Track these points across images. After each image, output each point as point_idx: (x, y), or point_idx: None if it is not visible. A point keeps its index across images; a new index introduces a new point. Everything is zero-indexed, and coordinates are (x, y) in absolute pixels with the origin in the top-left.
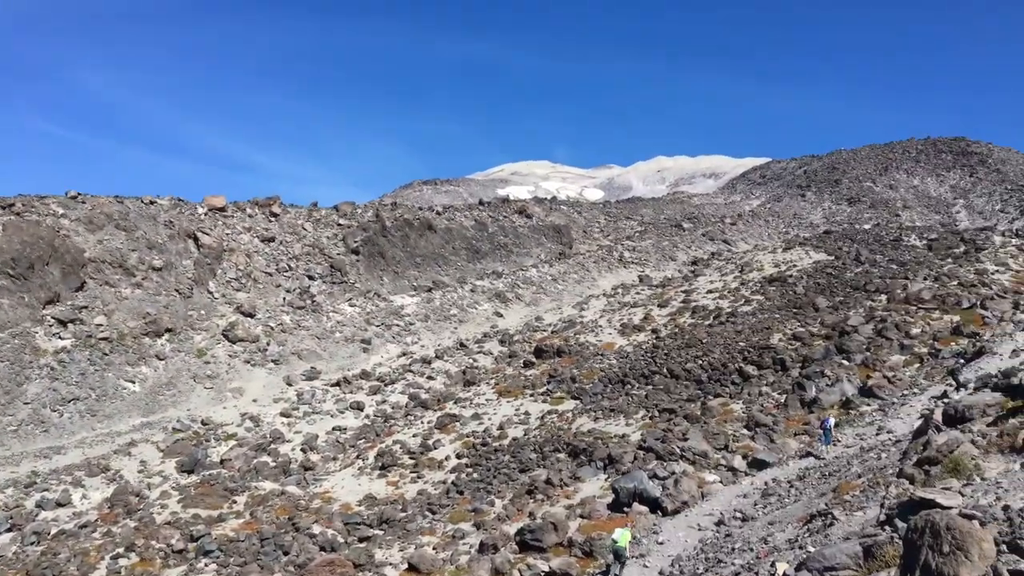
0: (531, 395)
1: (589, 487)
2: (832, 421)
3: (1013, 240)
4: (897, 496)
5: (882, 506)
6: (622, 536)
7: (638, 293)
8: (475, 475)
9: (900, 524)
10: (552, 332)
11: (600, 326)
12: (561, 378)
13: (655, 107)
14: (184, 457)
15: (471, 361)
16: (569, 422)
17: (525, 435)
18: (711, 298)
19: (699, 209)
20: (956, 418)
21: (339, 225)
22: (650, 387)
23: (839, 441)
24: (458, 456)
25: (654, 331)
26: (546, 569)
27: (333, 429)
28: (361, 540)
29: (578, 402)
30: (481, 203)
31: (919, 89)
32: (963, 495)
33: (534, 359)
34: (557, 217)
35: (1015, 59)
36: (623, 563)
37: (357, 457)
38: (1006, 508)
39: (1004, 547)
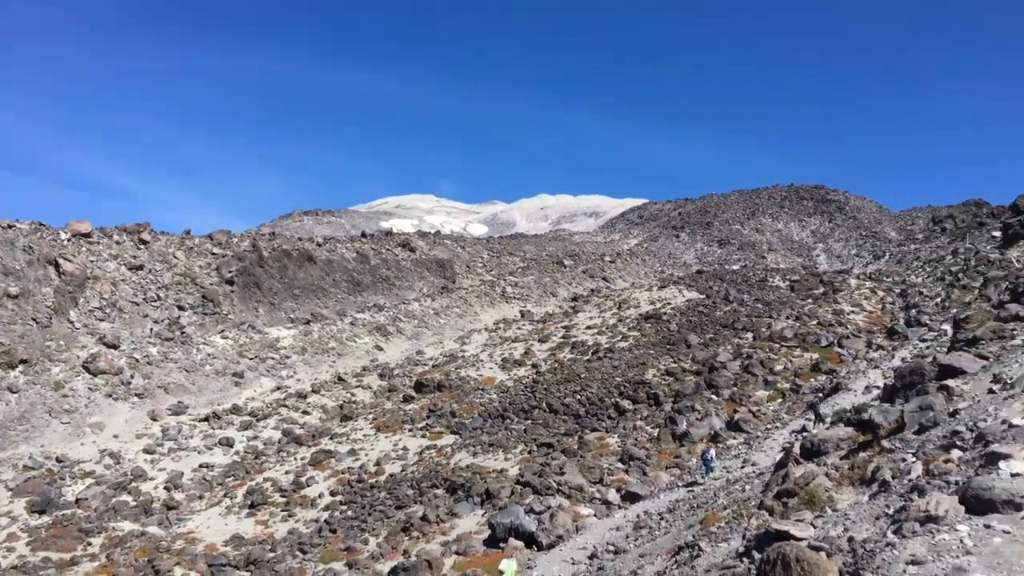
0: (410, 430)
1: (466, 523)
2: (712, 453)
3: (867, 283)
4: (757, 528)
5: (744, 537)
6: (508, 567)
7: (519, 328)
8: (349, 513)
9: (757, 555)
10: (433, 366)
11: (481, 360)
12: (441, 413)
13: (539, 146)
14: (35, 496)
15: (349, 395)
16: (448, 457)
17: (403, 471)
18: (590, 334)
19: (580, 247)
20: (813, 451)
21: (213, 254)
22: (529, 421)
23: (713, 471)
24: (332, 493)
25: (534, 366)
26: None
27: (200, 466)
28: None
29: (457, 437)
30: (364, 235)
31: (783, 137)
32: (815, 527)
33: (414, 393)
34: (440, 251)
35: (869, 114)
36: None
37: (225, 495)
38: (851, 539)
39: None
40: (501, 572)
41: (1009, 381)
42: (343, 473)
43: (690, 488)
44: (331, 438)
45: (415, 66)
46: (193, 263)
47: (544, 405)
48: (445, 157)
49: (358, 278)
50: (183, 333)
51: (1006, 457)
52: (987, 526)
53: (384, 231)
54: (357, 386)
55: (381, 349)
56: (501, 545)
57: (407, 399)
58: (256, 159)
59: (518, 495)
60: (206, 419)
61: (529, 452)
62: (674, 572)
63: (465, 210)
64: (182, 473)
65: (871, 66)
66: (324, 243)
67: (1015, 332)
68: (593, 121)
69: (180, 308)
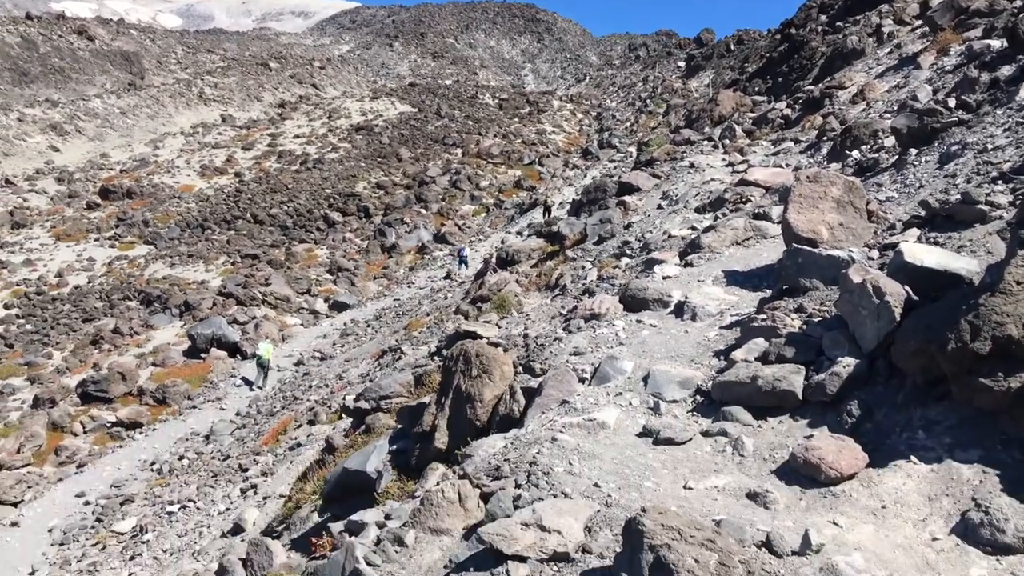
0: (96, 239)
1: (163, 335)
2: (468, 250)
3: (568, 105)
4: (454, 330)
5: (440, 340)
6: (266, 349)
7: (220, 134)
8: (28, 327)
9: (446, 353)
10: (121, 171)
11: (177, 167)
12: (132, 221)
13: None
14: None
15: (20, 200)
16: (141, 268)
17: (89, 283)
18: (298, 143)
19: (287, 49)
20: (508, 261)
21: None
22: (232, 232)
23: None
24: (6, 307)
25: (237, 174)
26: (112, 419)
27: None
28: None
29: (152, 247)
30: (29, 17)
31: None
32: (499, 327)
33: (99, 200)
34: (125, 42)
35: None
36: (266, 373)
37: None
38: (525, 336)
39: (520, 368)
40: (257, 354)
41: (674, 198)
42: (18, 285)
43: (456, 279)
44: (1, 247)
45: None
46: None
47: (248, 216)
48: None
49: (24, 67)
50: None
51: (660, 263)
52: (639, 321)
53: (55, 14)
54: (30, 191)
55: (57, 150)
56: (202, 356)
57: (91, 206)
58: None
59: (220, 306)
60: None
61: (232, 263)
62: (377, 374)
63: None
64: None
65: None
66: None
67: (684, 154)
68: None
69: None
